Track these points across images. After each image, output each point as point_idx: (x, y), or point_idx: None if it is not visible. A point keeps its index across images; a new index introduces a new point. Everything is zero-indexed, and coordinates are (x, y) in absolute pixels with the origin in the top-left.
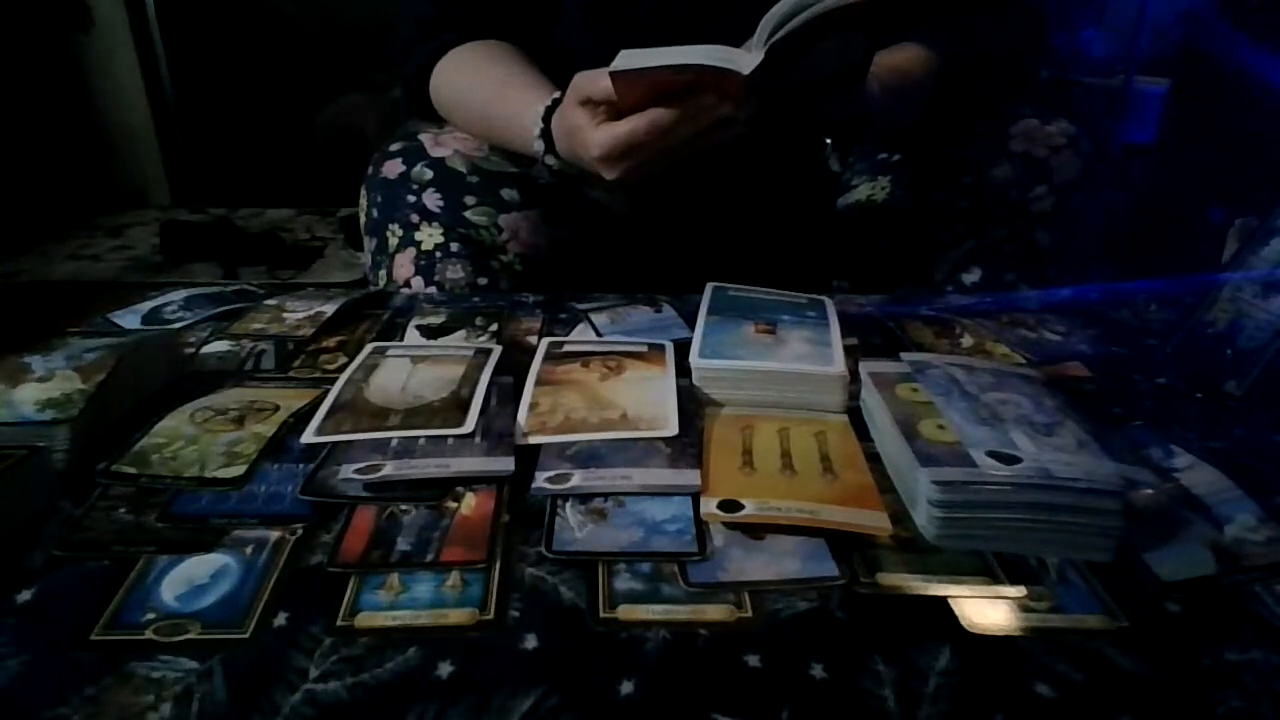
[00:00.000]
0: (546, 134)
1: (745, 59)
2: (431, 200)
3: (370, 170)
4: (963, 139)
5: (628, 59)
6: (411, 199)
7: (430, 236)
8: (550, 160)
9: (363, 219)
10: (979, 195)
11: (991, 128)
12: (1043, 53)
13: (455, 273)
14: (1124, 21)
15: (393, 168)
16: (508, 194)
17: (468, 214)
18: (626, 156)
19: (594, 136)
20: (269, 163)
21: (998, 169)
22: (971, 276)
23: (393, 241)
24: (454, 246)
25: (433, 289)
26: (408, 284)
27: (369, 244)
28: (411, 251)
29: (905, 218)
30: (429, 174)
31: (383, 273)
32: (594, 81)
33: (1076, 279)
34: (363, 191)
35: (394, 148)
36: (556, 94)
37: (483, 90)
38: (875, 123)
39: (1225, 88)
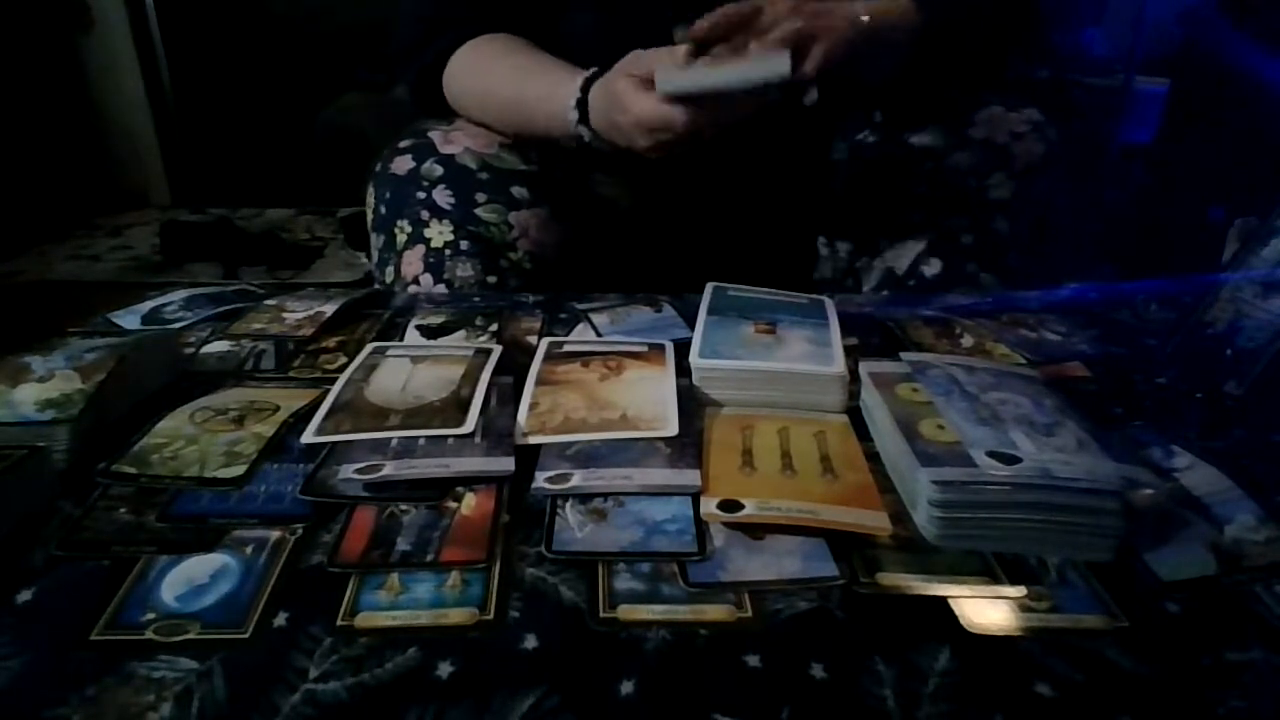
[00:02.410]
0: (583, 105)
1: (782, 61)
2: (442, 197)
3: (378, 166)
4: (924, 126)
5: (669, 78)
6: (421, 195)
7: (440, 234)
8: (582, 130)
9: (369, 215)
10: (937, 182)
11: (954, 114)
12: (1031, 24)
13: (465, 270)
14: (1124, 21)
15: (402, 164)
16: (518, 191)
17: (478, 211)
18: (663, 131)
19: (639, 104)
20: (269, 163)
21: (956, 155)
22: (932, 269)
23: (400, 238)
24: (464, 245)
25: (441, 286)
26: (416, 281)
27: (375, 240)
28: (421, 249)
29: (880, 174)
30: (439, 170)
31: (390, 269)
32: (645, 60)
33: (1041, 268)
34: (369, 188)
35: (403, 144)
36: (595, 69)
37: (512, 73)
38: (861, 69)
39: (1225, 88)
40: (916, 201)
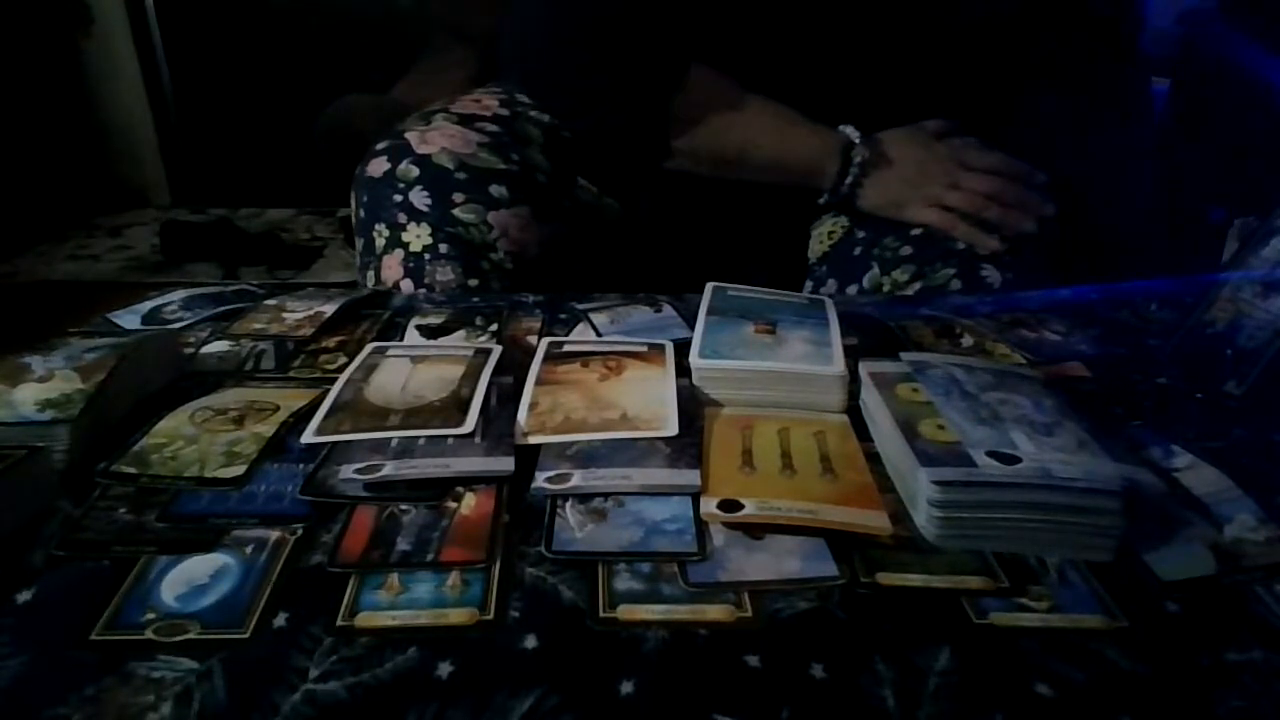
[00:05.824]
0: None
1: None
2: (419, 199)
3: (358, 170)
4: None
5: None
6: (398, 198)
7: (418, 238)
8: (856, 153)
9: (353, 220)
10: (923, 242)
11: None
12: None
13: (445, 274)
14: (1124, 21)
15: (378, 166)
16: (496, 190)
17: (456, 211)
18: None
19: (973, 157)
20: (269, 163)
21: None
22: None
23: (379, 242)
24: (443, 248)
25: (422, 291)
26: (396, 286)
27: (358, 244)
28: (399, 253)
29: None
30: (415, 171)
31: (371, 274)
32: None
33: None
34: (352, 192)
35: (380, 146)
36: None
37: (766, 104)
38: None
39: (1225, 88)
40: (900, 262)
